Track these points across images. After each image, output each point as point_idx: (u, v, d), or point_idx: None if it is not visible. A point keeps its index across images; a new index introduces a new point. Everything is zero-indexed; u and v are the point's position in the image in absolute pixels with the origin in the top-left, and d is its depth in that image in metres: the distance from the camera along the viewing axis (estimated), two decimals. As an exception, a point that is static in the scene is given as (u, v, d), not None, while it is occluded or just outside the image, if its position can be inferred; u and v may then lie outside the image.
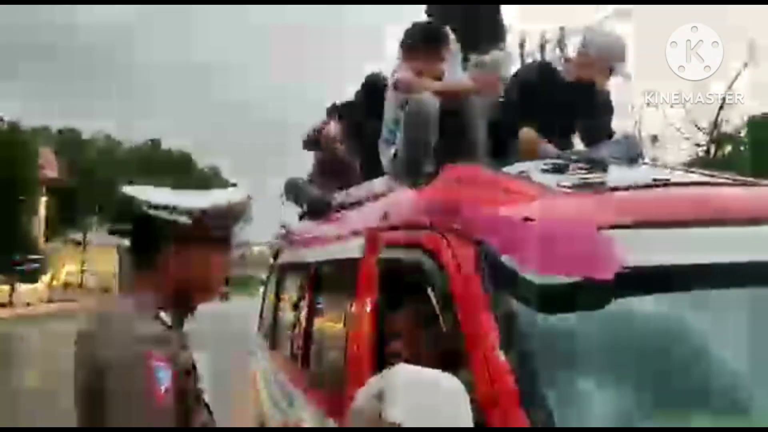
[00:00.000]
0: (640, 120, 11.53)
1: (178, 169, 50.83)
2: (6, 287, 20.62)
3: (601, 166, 2.28)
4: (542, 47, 13.46)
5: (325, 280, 2.86)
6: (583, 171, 2.18)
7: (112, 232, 35.01)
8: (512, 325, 1.41)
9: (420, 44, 2.83)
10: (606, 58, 2.82)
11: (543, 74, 3.03)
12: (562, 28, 13.30)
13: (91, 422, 1.41)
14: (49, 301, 19.88)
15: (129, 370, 1.33)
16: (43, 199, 25.76)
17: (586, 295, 1.40)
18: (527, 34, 13.45)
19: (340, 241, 2.59)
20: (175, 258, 1.48)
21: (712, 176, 2.19)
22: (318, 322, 2.84)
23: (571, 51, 2.94)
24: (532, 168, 2.20)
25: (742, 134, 10.24)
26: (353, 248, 2.29)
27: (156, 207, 1.44)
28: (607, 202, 1.70)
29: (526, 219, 1.54)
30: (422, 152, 2.77)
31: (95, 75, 79.62)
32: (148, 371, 1.34)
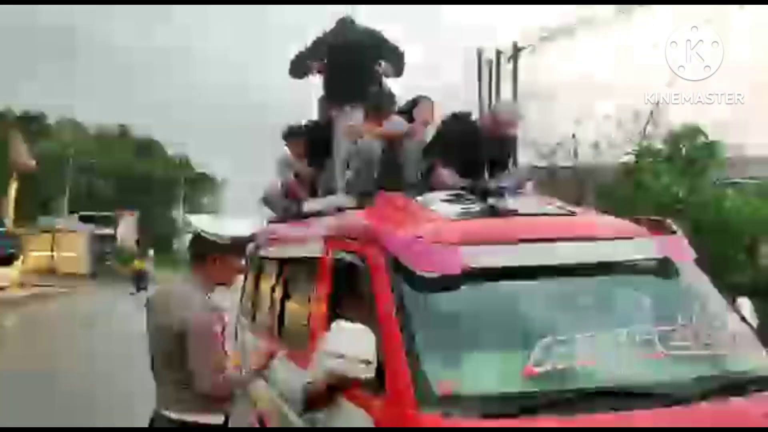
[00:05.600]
0: (576, 132, 12.84)
1: (146, 156, 50.95)
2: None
3: (485, 196, 3.42)
4: (497, 59, 14.71)
5: (296, 269, 3.97)
6: (468, 201, 3.32)
7: (81, 219, 35.52)
8: (402, 298, 2.54)
9: (370, 111, 4.02)
10: (504, 124, 3.98)
11: (460, 124, 4.18)
12: (515, 44, 14.56)
13: (177, 357, 2.50)
14: (22, 285, 20.41)
15: (207, 323, 2.45)
16: (14, 185, 26.08)
17: (442, 282, 2.55)
18: (484, 47, 14.74)
19: (308, 242, 3.70)
20: (214, 260, 2.59)
21: (554, 207, 3.34)
22: (290, 298, 3.96)
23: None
24: (436, 198, 3.35)
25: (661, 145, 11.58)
26: (316, 249, 3.41)
27: (207, 232, 2.55)
28: (464, 227, 2.86)
29: (416, 237, 2.68)
30: (367, 181, 3.91)
31: (59, 58, 78.36)
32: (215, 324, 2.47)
